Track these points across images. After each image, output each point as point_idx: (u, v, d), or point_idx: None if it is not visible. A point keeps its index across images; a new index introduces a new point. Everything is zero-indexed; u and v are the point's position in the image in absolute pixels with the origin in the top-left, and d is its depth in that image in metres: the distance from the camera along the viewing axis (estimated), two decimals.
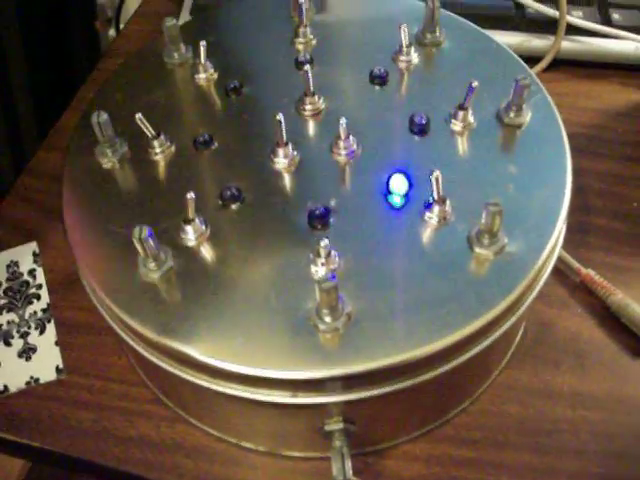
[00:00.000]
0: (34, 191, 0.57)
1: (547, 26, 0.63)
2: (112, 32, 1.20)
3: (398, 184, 0.40)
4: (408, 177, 0.40)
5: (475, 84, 0.41)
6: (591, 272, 0.49)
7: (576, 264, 0.50)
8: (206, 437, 0.44)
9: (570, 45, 0.63)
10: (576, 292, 0.50)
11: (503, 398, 0.45)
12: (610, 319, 0.48)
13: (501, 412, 0.44)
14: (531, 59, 0.62)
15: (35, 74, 0.96)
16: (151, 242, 0.36)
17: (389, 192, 0.40)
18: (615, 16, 0.64)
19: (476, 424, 0.44)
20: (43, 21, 0.98)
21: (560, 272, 0.50)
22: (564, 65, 0.64)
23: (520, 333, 0.47)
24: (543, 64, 0.63)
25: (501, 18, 0.64)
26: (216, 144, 0.43)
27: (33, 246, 0.53)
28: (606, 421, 0.44)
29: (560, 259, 0.50)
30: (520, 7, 0.64)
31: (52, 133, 0.62)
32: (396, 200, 0.40)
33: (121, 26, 0.90)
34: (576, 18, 0.63)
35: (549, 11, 0.62)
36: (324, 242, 0.35)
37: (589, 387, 0.45)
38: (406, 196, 0.40)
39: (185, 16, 0.65)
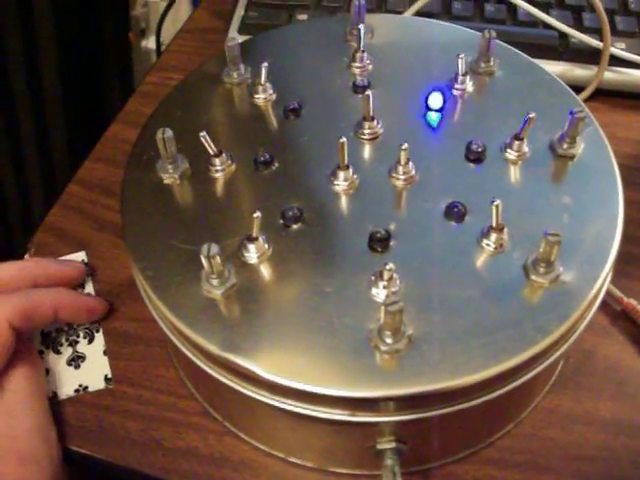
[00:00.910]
0: (83, 201, 0.58)
1: (590, 56, 0.64)
2: (145, 43, 1.22)
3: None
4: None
5: (532, 115, 0.42)
6: (633, 301, 0.50)
7: (618, 293, 0.50)
8: (254, 451, 0.44)
9: (612, 76, 0.64)
10: (618, 321, 0.50)
11: (545, 423, 0.46)
12: None
13: (543, 436, 0.45)
14: (573, 88, 0.63)
15: (67, 82, 0.97)
16: (218, 259, 0.37)
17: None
18: None
19: (519, 447, 0.45)
20: (78, 30, 0.99)
21: (602, 300, 0.51)
22: (604, 95, 0.65)
23: (563, 360, 0.48)
24: (586, 94, 0.63)
25: (546, 47, 0.65)
26: (276, 164, 0.44)
27: (82, 255, 0.54)
28: None
29: None
30: (564, 37, 0.65)
31: (99, 144, 0.63)
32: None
33: (161, 38, 0.92)
34: (619, 49, 0.64)
35: (593, 42, 0.63)
36: (389, 265, 0.36)
37: (630, 415, 0.46)
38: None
39: (233, 33, 0.66)
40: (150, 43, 1.21)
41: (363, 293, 0.38)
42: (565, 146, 0.44)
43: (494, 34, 0.47)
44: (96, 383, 0.48)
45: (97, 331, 0.50)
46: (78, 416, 0.46)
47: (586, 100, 0.64)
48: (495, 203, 0.38)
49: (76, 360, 0.49)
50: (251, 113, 0.48)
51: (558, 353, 0.38)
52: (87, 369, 0.48)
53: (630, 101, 0.65)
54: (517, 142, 0.43)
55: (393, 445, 0.38)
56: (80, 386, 0.48)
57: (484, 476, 0.44)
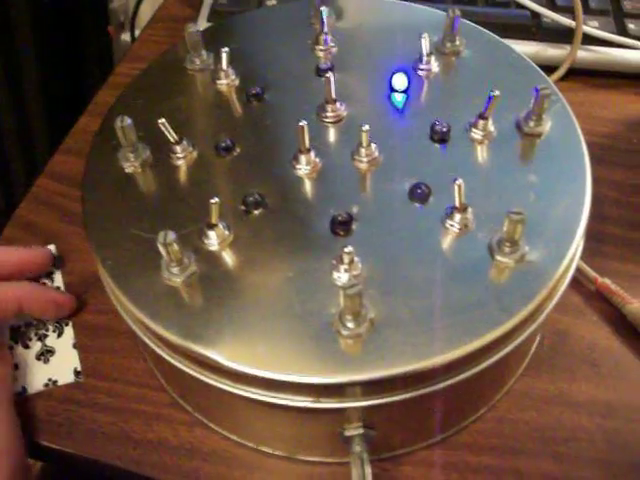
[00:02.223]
0: (52, 194, 0.58)
1: (563, 36, 0.63)
2: (125, 37, 1.21)
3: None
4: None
5: (495, 93, 0.41)
6: (607, 281, 0.49)
7: (592, 273, 0.50)
8: (224, 441, 0.44)
9: (586, 55, 0.63)
10: (592, 301, 0.50)
11: (520, 406, 0.45)
12: (626, 328, 0.48)
13: (518, 420, 0.45)
14: (547, 68, 0.62)
15: (48, 78, 0.97)
16: (175, 247, 0.36)
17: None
18: (631, 26, 0.64)
19: (493, 431, 0.44)
20: (57, 26, 0.98)
21: (576, 280, 0.50)
22: (579, 75, 0.65)
23: (537, 341, 0.47)
24: (559, 73, 0.63)
25: (518, 27, 0.64)
26: (238, 150, 0.43)
27: (52, 248, 0.53)
28: (622, 430, 0.44)
29: (577, 268, 0.50)
30: (536, 16, 0.64)
31: (69, 137, 0.62)
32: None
33: (136, 31, 0.91)
34: (592, 28, 0.63)
35: (565, 21, 0.63)
36: (348, 248, 0.36)
37: (605, 395, 0.45)
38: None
39: (202, 21, 0.65)
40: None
41: (325, 277, 0.37)
42: (532, 124, 0.43)
43: (458, 12, 0.46)
44: (66, 377, 0.47)
45: (67, 325, 0.49)
46: (48, 410, 0.46)
47: (560, 80, 0.63)
48: (457, 182, 0.37)
49: (45, 354, 0.48)
50: (214, 99, 0.47)
51: (525, 334, 0.38)
52: (56, 363, 0.48)
53: (605, 80, 0.65)
54: (482, 121, 0.43)
55: (361, 431, 0.38)
56: (49, 380, 0.47)
57: (458, 461, 0.43)
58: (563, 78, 0.63)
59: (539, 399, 0.45)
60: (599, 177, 0.57)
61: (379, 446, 0.41)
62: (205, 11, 0.66)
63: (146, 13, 0.90)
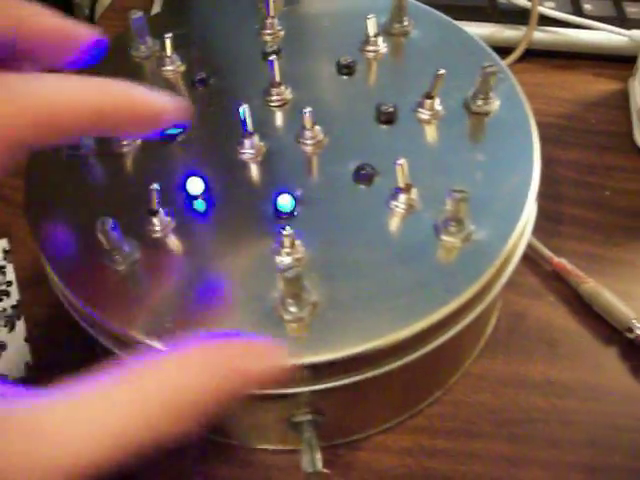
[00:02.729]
0: (5, 188, 0.57)
1: (520, 17, 0.63)
2: None
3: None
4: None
5: (441, 72, 0.41)
6: (563, 261, 0.49)
7: (548, 253, 0.50)
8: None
9: (542, 36, 0.63)
10: (549, 281, 0.50)
11: (476, 388, 0.45)
12: (582, 307, 0.48)
13: (474, 402, 0.44)
14: (504, 50, 0.62)
15: None
16: (115, 234, 0.35)
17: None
18: (587, 6, 0.64)
19: (449, 414, 0.44)
20: None
21: (533, 261, 0.50)
22: (537, 56, 0.65)
23: (493, 323, 0.47)
24: (516, 55, 0.63)
25: (474, 9, 0.64)
26: (183, 136, 0.43)
27: (3, 243, 0.52)
28: (578, 409, 0.44)
29: (532, 248, 0.50)
30: None
31: None
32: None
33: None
34: (548, 9, 0.63)
35: (521, 1, 0.62)
36: (287, 231, 0.35)
37: (561, 376, 0.45)
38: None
39: (157, 9, 0.65)
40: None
41: (268, 262, 0.36)
42: (479, 103, 0.43)
43: None
44: (17, 371, 0.46)
45: (18, 319, 0.48)
46: None
47: (517, 61, 0.63)
48: (399, 162, 0.37)
49: None
50: (159, 86, 0.46)
51: (473, 314, 0.37)
52: (8, 357, 0.47)
53: (562, 60, 0.65)
54: (429, 101, 0.42)
55: (309, 417, 0.37)
56: (0, 375, 0.46)
57: (414, 445, 0.43)
58: (520, 59, 0.63)
59: (495, 381, 0.45)
60: (557, 158, 0.57)
61: (332, 432, 0.41)
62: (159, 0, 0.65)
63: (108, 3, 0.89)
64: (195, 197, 0.39)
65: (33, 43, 0.30)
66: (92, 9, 0.87)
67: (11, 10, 0.30)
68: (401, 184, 0.37)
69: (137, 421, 0.23)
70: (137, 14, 0.46)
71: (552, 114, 0.60)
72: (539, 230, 0.49)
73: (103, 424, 0.23)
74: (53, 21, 0.31)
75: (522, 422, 0.43)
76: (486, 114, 0.43)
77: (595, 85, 0.63)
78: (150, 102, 0.29)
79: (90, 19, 0.88)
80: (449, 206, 0.36)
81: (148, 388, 0.24)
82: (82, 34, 0.32)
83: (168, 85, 0.46)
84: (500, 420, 0.44)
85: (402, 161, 0.36)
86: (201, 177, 0.39)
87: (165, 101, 0.30)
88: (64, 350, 0.47)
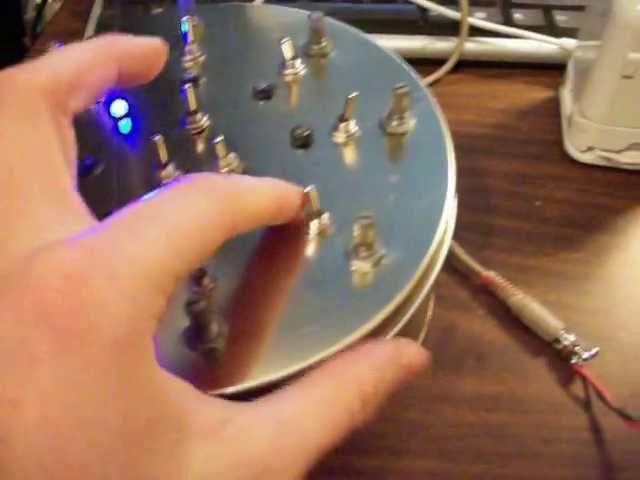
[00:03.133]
0: None
1: (451, 28, 0.64)
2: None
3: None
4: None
5: (352, 95, 0.41)
6: (491, 274, 0.50)
7: (477, 266, 0.50)
8: None
9: (473, 46, 0.64)
10: (478, 295, 0.50)
11: (403, 405, 0.45)
12: (511, 320, 0.48)
13: (402, 419, 0.45)
14: (437, 62, 0.63)
15: None
16: None
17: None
18: (517, 16, 0.64)
19: (377, 432, 0.44)
20: None
21: (462, 275, 0.51)
22: (470, 67, 0.65)
23: (421, 338, 0.47)
24: (448, 66, 0.63)
25: (405, 22, 0.64)
26: (101, 167, 0.43)
27: None
28: (506, 422, 0.44)
29: (462, 262, 0.50)
30: (423, 10, 0.64)
31: None
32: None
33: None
34: (479, 19, 0.63)
35: (451, 13, 0.63)
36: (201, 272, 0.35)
37: (490, 389, 0.46)
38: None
39: (89, 33, 0.65)
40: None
41: (179, 296, 0.36)
42: (394, 124, 0.43)
43: (320, 15, 0.46)
44: None
45: None
46: None
47: (449, 72, 0.64)
48: (307, 190, 0.37)
49: None
50: (81, 117, 0.46)
51: (389, 336, 0.37)
52: None
53: (494, 70, 0.65)
54: (343, 124, 0.42)
55: None
56: None
57: (342, 465, 0.43)
58: (453, 70, 0.64)
59: (423, 397, 0.45)
60: (488, 169, 0.58)
61: None
62: (92, 23, 0.65)
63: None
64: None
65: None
66: (34, 27, 0.87)
67: (112, 52, 0.34)
68: (312, 209, 0.38)
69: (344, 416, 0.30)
70: (54, 45, 0.46)
71: (485, 125, 0.61)
72: (469, 243, 0.50)
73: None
74: (145, 47, 0.36)
75: (452, 438, 0.44)
76: (402, 134, 0.43)
77: (527, 94, 0.64)
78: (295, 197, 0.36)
79: (32, 38, 0.88)
80: (356, 232, 0.36)
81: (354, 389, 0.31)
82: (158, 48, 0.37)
83: (89, 115, 0.46)
84: (430, 436, 0.44)
85: (309, 188, 0.37)
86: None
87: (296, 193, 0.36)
88: None
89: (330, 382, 0.31)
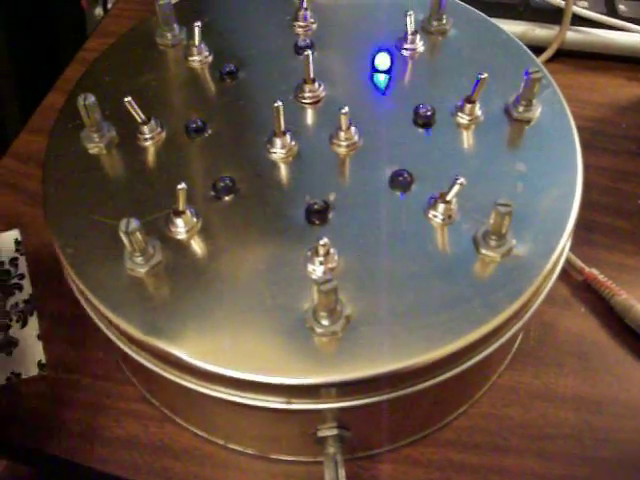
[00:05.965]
0: (18, 175, 0.55)
1: (552, 16, 0.61)
2: (99, 11, 1.17)
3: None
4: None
5: (484, 76, 0.39)
6: (595, 271, 0.48)
7: (580, 263, 0.48)
8: (196, 439, 0.42)
9: (575, 36, 0.61)
10: (580, 291, 0.48)
11: (505, 401, 0.43)
12: (614, 320, 0.46)
13: (503, 415, 0.43)
14: (534, 49, 0.60)
15: (17, 53, 0.93)
16: (138, 235, 0.34)
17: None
18: (621, 7, 0.62)
19: (477, 428, 0.42)
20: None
21: (564, 270, 0.48)
22: (568, 56, 0.63)
23: (522, 334, 0.45)
24: (547, 54, 0.61)
25: (506, 6, 0.62)
26: (210, 131, 0.41)
27: (15, 234, 0.51)
28: (610, 426, 0.42)
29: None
30: None
31: (36, 115, 0.60)
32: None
33: (109, 5, 0.88)
34: (582, 8, 0.61)
35: (555, 0, 0.60)
36: (324, 240, 0.33)
37: (592, 390, 0.44)
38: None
39: None
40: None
41: (299, 270, 0.35)
42: (521, 109, 0.41)
43: None
44: (30, 370, 0.45)
45: (31, 314, 0.47)
46: (10, 406, 0.43)
47: (548, 61, 0.61)
48: (459, 181, 0.35)
49: (8, 346, 0.46)
50: (185, 76, 0.44)
51: (511, 332, 0.36)
52: (20, 355, 0.45)
53: (593, 62, 0.63)
54: (469, 105, 0.40)
55: (335, 432, 0.36)
56: (12, 374, 0.45)
57: (441, 459, 0.41)
58: (551, 60, 0.61)
59: (524, 394, 0.44)
60: (587, 163, 0.55)
61: (356, 445, 0.39)
62: None
63: None
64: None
65: None
66: None
67: None
68: (449, 198, 0.36)
69: None
70: (164, 0, 0.44)
71: (582, 117, 0.58)
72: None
73: None
74: None
75: (553, 437, 0.42)
76: (528, 121, 0.41)
77: (627, 89, 0.61)
78: None
79: (104, 4, 0.86)
80: (492, 219, 0.34)
81: None
82: None
83: (194, 76, 0.44)
84: (529, 434, 0.42)
85: (462, 180, 0.35)
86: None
87: None
88: (79, 348, 0.45)
89: None
